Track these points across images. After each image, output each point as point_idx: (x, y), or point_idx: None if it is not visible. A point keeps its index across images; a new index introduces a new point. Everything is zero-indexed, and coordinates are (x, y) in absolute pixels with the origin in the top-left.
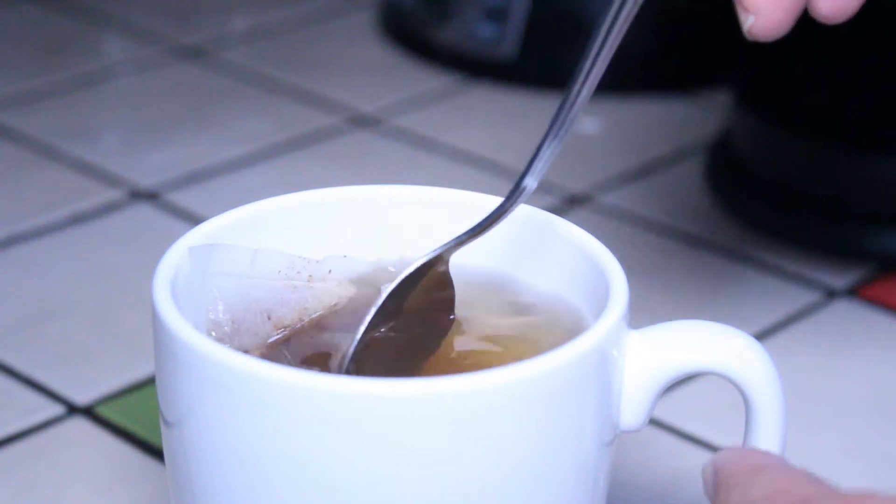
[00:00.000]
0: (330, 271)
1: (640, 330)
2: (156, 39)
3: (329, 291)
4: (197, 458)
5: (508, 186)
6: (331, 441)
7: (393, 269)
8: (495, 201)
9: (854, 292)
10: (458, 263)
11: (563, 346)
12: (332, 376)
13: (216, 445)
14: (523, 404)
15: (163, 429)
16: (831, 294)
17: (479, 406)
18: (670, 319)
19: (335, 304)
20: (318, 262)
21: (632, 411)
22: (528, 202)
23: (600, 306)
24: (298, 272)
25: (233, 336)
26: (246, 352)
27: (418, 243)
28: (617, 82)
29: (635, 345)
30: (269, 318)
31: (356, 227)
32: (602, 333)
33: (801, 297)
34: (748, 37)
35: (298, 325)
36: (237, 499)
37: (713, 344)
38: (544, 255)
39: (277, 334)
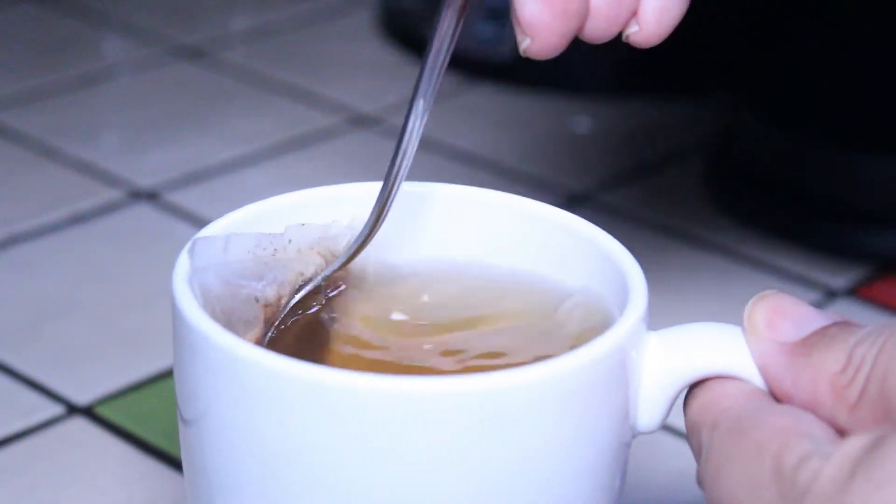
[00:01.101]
0: (290, 241)
1: (659, 332)
2: (156, 39)
3: (293, 260)
4: (214, 455)
5: (508, 186)
6: (351, 437)
7: (349, 232)
8: (489, 195)
9: (854, 292)
10: (472, 262)
11: (582, 346)
12: (353, 373)
13: (234, 442)
14: (542, 404)
15: (180, 426)
16: (831, 294)
17: (497, 405)
18: (669, 319)
19: (303, 273)
20: (280, 235)
21: (649, 413)
22: (545, 200)
23: (620, 307)
24: (265, 248)
25: (228, 328)
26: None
27: (418, 240)
28: (617, 82)
29: (654, 346)
30: (256, 301)
31: (359, 225)
32: (622, 334)
33: (801, 297)
34: (523, 55)
35: (282, 303)
36: (255, 495)
37: (732, 346)
38: (562, 254)
39: (267, 318)
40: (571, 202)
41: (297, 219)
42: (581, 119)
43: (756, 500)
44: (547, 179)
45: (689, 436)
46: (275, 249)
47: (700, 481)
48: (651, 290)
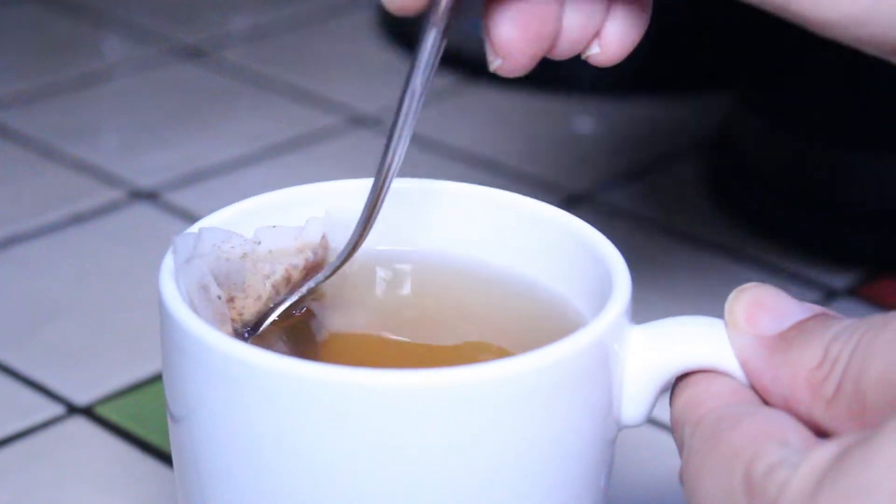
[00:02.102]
0: (259, 242)
1: (642, 325)
2: (156, 39)
3: (262, 260)
4: (204, 452)
5: (508, 186)
6: (337, 431)
7: (323, 239)
8: (469, 189)
9: (854, 292)
10: (463, 256)
11: (563, 339)
12: (340, 368)
13: (224, 439)
14: (523, 397)
15: (170, 424)
16: (831, 294)
17: (479, 398)
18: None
19: (269, 275)
20: (249, 238)
21: (633, 407)
22: (545, 200)
23: (602, 300)
24: (232, 247)
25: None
26: None
27: (415, 235)
28: (617, 82)
29: (637, 340)
30: (220, 299)
31: (354, 221)
32: (603, 327)
33: (801, 297)
34: (492, 71)
35: (250, 302)
36: (245, 492)
37: (715, 339)
38: (546, 248)
39: (237, 315)
40: (571, 202)
41: (288, 216)
42: (581, 119)
43: None
44: (547, 179)
45: (674, 431)
46: (244, 253)
47: (681, 479)
48: (650, 290)
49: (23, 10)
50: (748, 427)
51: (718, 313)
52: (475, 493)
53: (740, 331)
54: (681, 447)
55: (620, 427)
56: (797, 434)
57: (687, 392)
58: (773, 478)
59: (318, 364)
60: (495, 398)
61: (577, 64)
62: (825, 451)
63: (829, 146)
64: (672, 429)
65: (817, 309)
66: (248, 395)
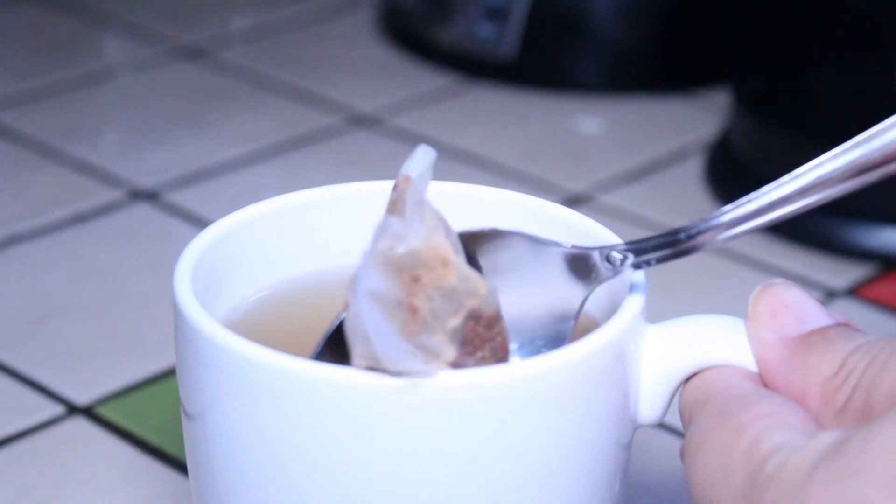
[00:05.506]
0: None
1: (658, 324)
2: (156, 39)
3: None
4: (217, 449)
5: (508, 186)
6: (349, 433)
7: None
8: (487, 191)
9: (854, 292)
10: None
11: (580, 339)
12: (352, 369)
13: (238, 437)
14: (540, 398)
15: (183, 421)
16: (831, 294)
17: (496, 399)
18: (669, 320)
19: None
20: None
21: (649, 406)
22: (540, 196)
23: (617, 301)
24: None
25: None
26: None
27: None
28: (617, 82)
29: (653, 339)
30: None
31: (362, 224)
32: (620, 327)
33: None
34: None
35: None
36: (258, 489)
37: (730, 338)
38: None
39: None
40: (571, 202)
41: (296, 219)
42: (581, 119)
43: (726, 480)
44: (547, 179)
45: (682, 412)
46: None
47: (682, 455)
48: (651, 291)
49: (23, 10)
50: (758, 408)
51: (717, 312)
52: (491, 495)
53: (762, 326)
54: (687, 425)
55: (636, 426)
56: (804, 422)
57: (699, 377)
58: (774, 457)
59: (329, 365)
60: (512, 399)
61: (577, 64)
62: (827, 437)
63: (829, 146)
64: (680, 411)
65: (841, 319)
66: (259, 394)
